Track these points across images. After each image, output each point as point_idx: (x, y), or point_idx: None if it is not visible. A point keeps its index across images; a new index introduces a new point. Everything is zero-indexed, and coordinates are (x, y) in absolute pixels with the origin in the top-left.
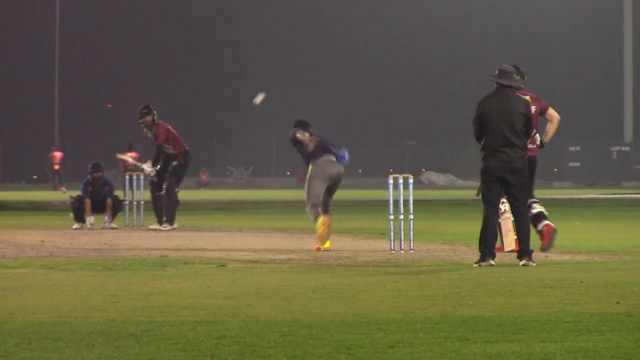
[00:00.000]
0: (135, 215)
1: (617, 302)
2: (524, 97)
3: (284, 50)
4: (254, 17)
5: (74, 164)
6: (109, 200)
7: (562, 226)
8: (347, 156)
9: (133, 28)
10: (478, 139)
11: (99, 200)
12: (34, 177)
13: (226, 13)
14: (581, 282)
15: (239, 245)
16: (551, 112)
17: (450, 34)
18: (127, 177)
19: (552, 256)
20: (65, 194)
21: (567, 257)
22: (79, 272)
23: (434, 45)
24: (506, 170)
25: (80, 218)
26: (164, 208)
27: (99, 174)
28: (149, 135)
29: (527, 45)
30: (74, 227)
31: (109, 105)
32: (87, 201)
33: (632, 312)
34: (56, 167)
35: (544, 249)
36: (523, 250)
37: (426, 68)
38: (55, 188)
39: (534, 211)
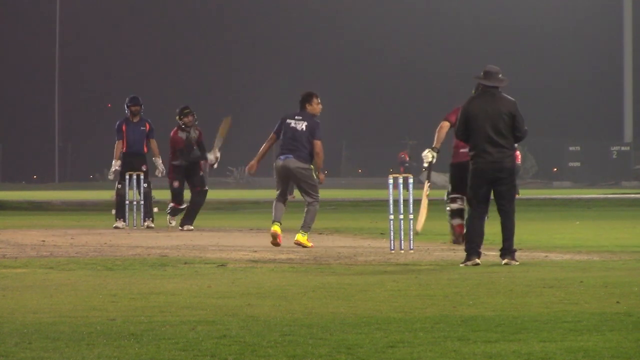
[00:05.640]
0: (135, 214)
1: (617, 302)
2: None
3: (283, 50)
4: (254, 17)
5: (74, 164)
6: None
7: (562, 226)
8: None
9: (133, 28)
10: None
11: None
12: (34, 177)
13: (225, 12)
14: (581, 281)
15: (239, 245)
16: None
17: (451, 33)
18: (127, 176)
19: (552, 256)
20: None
21: (567, 257)
22: (79, 272)
23: (435, 45)
24: (495, 171)
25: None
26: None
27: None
28: (192, 135)
29: (528, 45)
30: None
31: (109, 105)
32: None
33: (632, 312)
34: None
35: (453, 242)
36: (506, 249)
37: (427, 67)
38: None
39: (454, 205)
